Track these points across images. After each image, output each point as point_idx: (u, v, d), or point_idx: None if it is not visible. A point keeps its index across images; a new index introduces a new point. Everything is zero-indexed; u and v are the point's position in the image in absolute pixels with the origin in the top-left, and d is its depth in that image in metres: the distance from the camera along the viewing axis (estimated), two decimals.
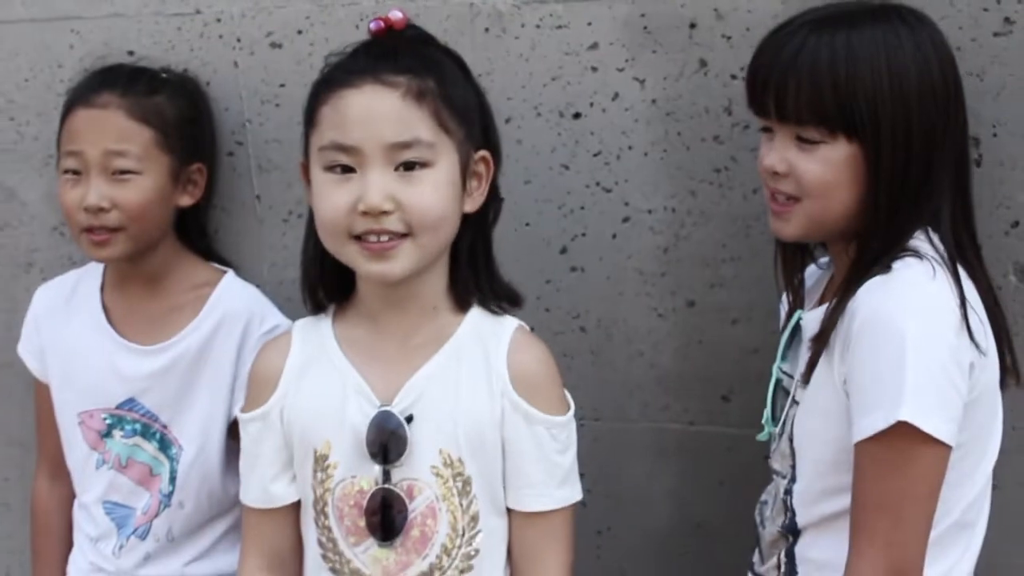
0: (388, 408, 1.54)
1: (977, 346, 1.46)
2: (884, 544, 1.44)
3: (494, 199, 1.62)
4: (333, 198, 1.50)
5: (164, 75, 1.97)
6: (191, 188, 1.94)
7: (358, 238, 1.50)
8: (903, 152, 1.46)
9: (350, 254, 1.52)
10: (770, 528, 1.62)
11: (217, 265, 2.01)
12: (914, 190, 1.48)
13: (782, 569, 1.59)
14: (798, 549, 1.58)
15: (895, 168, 1.46)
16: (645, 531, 1.95)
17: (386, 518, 1.55)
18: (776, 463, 1.60)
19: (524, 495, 1.57)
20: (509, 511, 1.58)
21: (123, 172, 1.85)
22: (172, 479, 1.94)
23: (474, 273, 1.61)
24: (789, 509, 1.57)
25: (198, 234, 2.02)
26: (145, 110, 1.87)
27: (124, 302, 1.97)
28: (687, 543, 1.90)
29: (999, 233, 1.72)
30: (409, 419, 1.54)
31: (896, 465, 1.43)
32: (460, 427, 1.54)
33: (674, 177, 1.85)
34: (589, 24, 1.84)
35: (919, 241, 1.49)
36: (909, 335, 1.41)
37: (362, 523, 1.56)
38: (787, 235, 1.55)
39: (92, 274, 2.02)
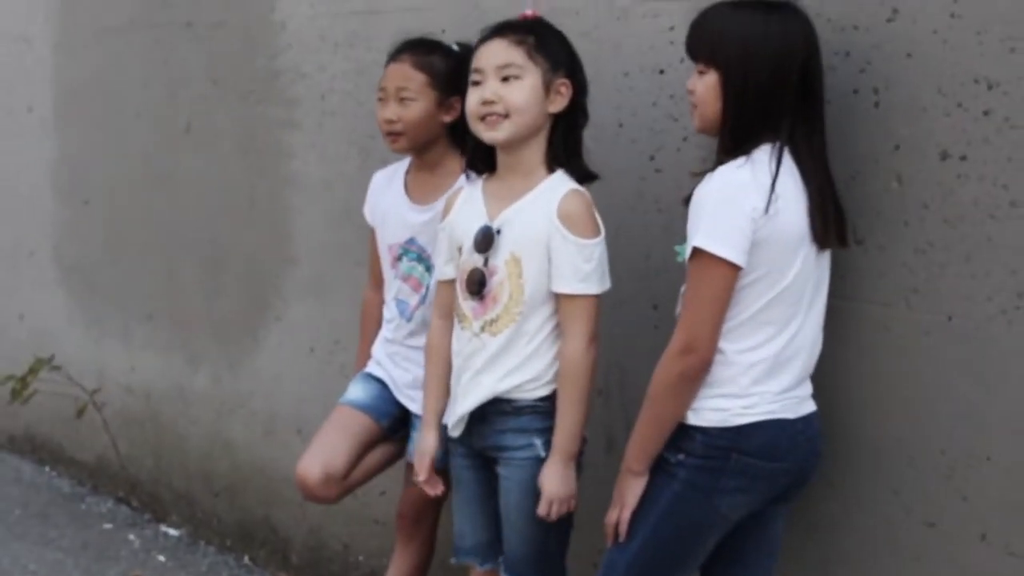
0: (489, 224, 2.69)
1: (767, 211, 2.33)
2: (684, 328, 2.39)
3: (580, 113, 2.71)
4: (473, 97, 2.67)
5: (456, 46, 3.18)
6: (451, 111, 3.06)
7: (482, 119, 2.65)
8: (741, 87, 2.37)
9: (478, 129, 2.68)
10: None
11: None
12: (753, 116, 2.38)
13: None
14: None
15: (736, 96, 2.38)
16: None
17: (477, 283, 2.68)
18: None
19: (557, 282, 2.62)
20: (556, 295, 2.63)
21: (405, 99, 3.04)
22: (427, 286, 3.11)
23: (557, 154, 2.70)
24: None
25: (462, 139, 3.17)
26: (422, 63, 3.06)
27: (415, 180, 3.16)
28: None
29: (887, 154, 2.54)
30: (498, 231, 2.67)
31: (696, 276, 2.37)
32: (525, 239, 2.64)
33: None
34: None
35: (760, 150, 2.38)
36: (709, 197, 2.36)
37: (467, 285, 2.70)
38: (694, 127, 2.51)
39: (404, 164, 3.24)
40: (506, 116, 2.63)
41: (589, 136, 2.89)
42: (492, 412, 2.71)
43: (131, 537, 4.45)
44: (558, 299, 2.64)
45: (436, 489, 2.92)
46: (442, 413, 2.86)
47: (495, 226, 2.67)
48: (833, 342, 2.59)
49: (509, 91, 2.62)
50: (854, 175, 2.57)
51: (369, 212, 3.30)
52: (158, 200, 4.40)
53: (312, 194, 3.80)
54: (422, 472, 2.89)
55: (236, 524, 4.28)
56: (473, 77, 2.68)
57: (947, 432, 2.51)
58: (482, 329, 2.68)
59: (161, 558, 4.27)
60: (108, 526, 4.55)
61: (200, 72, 4.14)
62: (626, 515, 2.49)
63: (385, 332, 3.27)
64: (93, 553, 4.29)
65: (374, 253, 3.30)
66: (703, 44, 2.45)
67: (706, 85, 2.44)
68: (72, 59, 4.74)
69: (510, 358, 2.67)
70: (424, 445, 2.88)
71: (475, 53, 2.70)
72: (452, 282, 2.80)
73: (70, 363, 4.78)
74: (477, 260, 2.69)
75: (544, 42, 2.67)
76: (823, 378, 2.59)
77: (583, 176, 2.72)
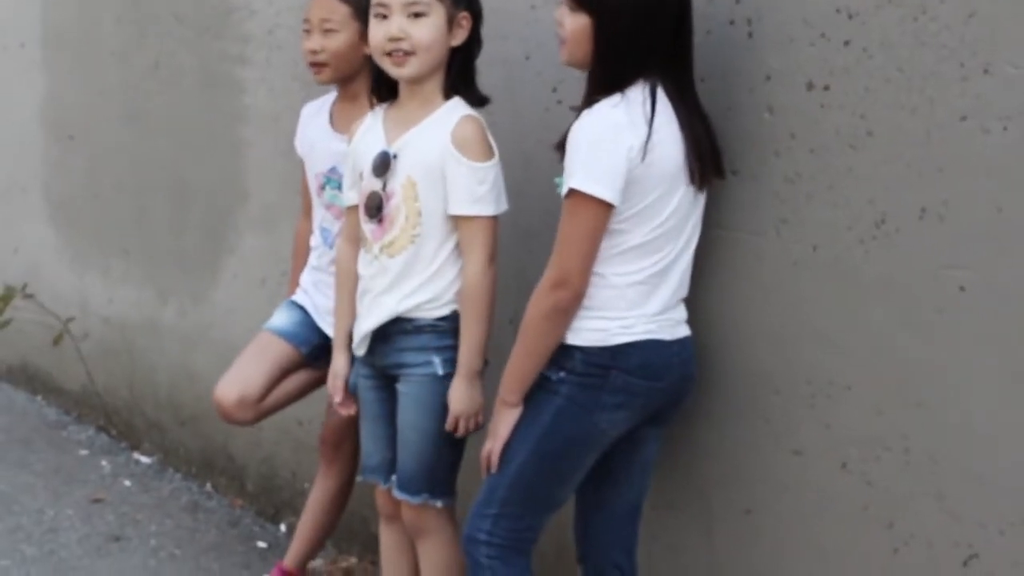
0: (387, 149, 2.75)
1: (643, 150, 2.38)
2: (556, 263, 2.44)
3: (475, 42, 2.76)
4: (378, 31, 2.72)
5: None
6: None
7: (388, 54, 2.71)
8: (613, 35, 2.40)
9: (384, 64, 2.74)
10: None
11: None
12: (624, 61, 2.41)
13: None
14: None
15: (607, 43, 2.41)
16: None
17: (375, 207, 2.75)
18: None
19: (452, 205, 2.68)
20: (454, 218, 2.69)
21: (329, 31, 3.13)
22: None
23: (455, 83, 2.76)
24: None
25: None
26: None
27: (339, 110, 3.23)
28: None
29: (760, 84, 2.56)
30: (395, 156, 2.73)
31: (570, 213, 2.42)
32: (420, 163, 2.70)
33: None
34: None
35: (634, 88, 2.42)
36: (584, 136, 2.39)
37: (366, 209, 2.77)
38: (562, 60, 2.53)
39: (332, 96, 3.35)
40: (412, 53, 2.68)
41: (500, 69, 2.93)
42: (393, 331, 2.78)
43: (103, 463, 4.59)
44: (456, 222, 2.70)
45: (350, 409, 3.00)
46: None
47: (392, 151, 2.73)
48: (708, 271, 2.64)
49: (416, 28, 2.67)
50: (731, 106, 2.60)
51: (299, 143, 3.38)
52: (132, 136, 4.51)
53: (262, 128, 3.89)
54: (336, 394, 2.98)
55: (199, 452, 4.40)
56: (378, 10, 2.72)
57: (811, 362, 2.54)
58: (381, 251, 2.75)
59: (127, 483, 4.41)
60: (84, 452, 4.70)
61: (166, 10, 4.23)
62: (498, 447, 2.55)
63: (311, 260, 3.36)
64: (63, 477, 4.44)
65: (304, 184, 3.39)
66: None
67: (578, 25, 2.46)
68: None
69: (411, 279, 2.74)
70: (336, 367, 2.98)
71: None
72: (355, 208, 2.87)
73: (57, 296, 4.94)
74: (375, 184, 2.75)
75: None
76: (699, 309, 2.64)
77: (478, 100, 2.79)
